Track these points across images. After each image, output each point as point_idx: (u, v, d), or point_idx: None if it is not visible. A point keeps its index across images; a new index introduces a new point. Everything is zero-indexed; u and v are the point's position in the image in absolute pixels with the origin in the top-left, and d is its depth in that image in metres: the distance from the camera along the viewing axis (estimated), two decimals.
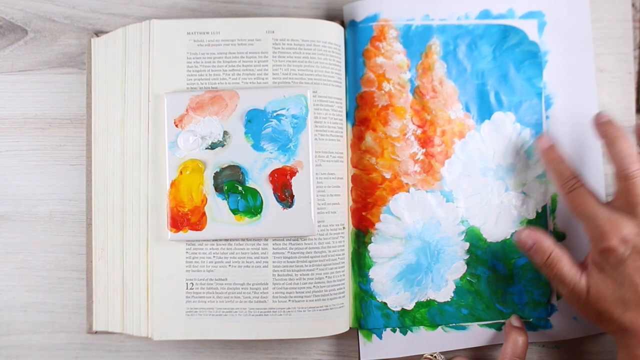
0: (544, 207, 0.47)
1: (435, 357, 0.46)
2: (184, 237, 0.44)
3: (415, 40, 0.47)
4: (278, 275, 0.44)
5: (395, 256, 0.47)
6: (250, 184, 0.44)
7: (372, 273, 0.47)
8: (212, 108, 0.45)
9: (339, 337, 0.47)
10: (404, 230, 0.47)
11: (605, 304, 0.41)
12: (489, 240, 0.47)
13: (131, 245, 0.45)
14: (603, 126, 0.43)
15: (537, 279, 0.47)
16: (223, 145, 0.44)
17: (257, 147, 0.44)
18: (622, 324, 0.41)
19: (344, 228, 0.46)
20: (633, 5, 0.50)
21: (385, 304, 0.47)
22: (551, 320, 0.47)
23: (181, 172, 0.44)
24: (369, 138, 0.47)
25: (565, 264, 0.42)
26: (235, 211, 0.44)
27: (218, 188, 0.44)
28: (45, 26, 0.49)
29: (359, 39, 0.47)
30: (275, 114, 0.44)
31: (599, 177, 0.48)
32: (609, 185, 0.48)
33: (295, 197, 0.44)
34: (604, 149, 0.43)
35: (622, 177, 0.41)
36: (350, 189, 0.47)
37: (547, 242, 0.43)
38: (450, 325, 0.47)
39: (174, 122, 0.45)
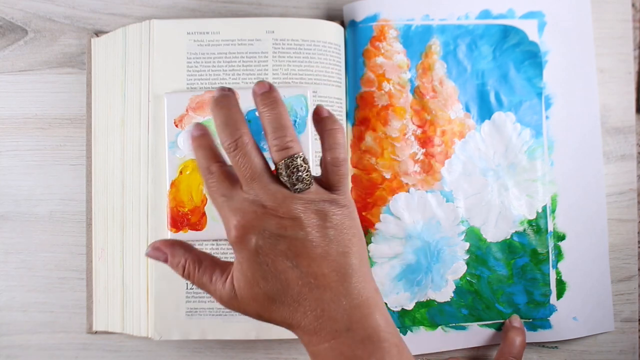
0: (544, 207, 0.47)
1: None
2: (184, 237, 0.44)
3: (415, 40, 0.47)
4: None
5: (395, 256, 0.47)
6: None
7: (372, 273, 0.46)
8: None
9: None
10: (404, 230, 0.47)
11: (258, 304, 0.34)
12: (489, 240, 0.47)
13: (131, 245, 0.45)
14: (213, 100, 0.36)
15: (537, 279, 0.47)
16: None
17: None
18: (284, 321, 0.34)
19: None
20: (633, 5, 0.50)
21: (385, 304, 0.46)
22: (551, 320, 0.47)
23: (181, 172, 0.44)
24: (369, 138, 0.47)
25: (205, 273, 0.35)
26: None
27: None
28: (45, 26, 0.49)
29: (359, 39, 0.47)
30: None
31: (599, 177, 0.48)
32: (609, 186, 0.48)
33: None
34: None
35: (227, 149, 0.34)
36: (350, 189, 0.47)
37: (178, 252, 0.36)
38: (450, 325, 0.47)
39: (174, 122, 0.45)
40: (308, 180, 0.34)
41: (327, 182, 0.35)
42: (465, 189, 0.47)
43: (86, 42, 0.48)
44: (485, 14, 0.48)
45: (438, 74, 0.47)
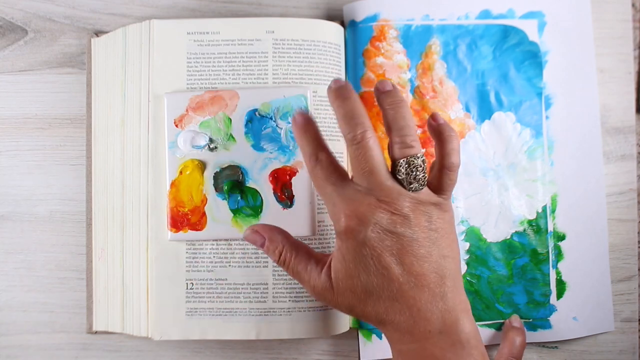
0: (544, 207, 0.47)
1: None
2: (184, 237, 0.44)
3: (415, 40, 0.47)
4: (278, 275, 0.44)
5: None
6: (250, 184, 0.44)
7: None
8: (212, 108, 0.45)
9: (339, 337, 0.47)
10: None
11: (354, 296, 0.34)
12: (489, 240, 0.47)
13: (131, 245, 0.45)
14: (335, 90, 0.36)
15: (537, 279, 0.47)
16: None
17: (257, 147, 0.45)
18: (378, 317, 0.34)
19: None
20: (633, 5, 0.50)
21: None
22: (551, 320, 0.47)
23: (181, 172, 0.44)
24: None
25: (301, 261, 0.36)
26: (235, 211, 0.44)
27: (218, 188, 0.44)
28: (45, 26, 0.49)
29: (359, 39, 0.47)
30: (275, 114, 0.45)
31: (599, 177, 0.48)
32: (609, 185, 0.48)
33: (295, 197, 0.44)
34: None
35: (348, 142, 0.35)
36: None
37: (277, 237, 0.37)
38: None
39: (174, 122, 0.45)
40: (423, 181, 0.35)
41: (437, 184, 0.36)
42: (465, 189, 0.47)
43: (86, 42, 0.48)
44: (485, 14, 0.48)
45: (438, 74, 0.47)
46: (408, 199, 0.34)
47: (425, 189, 0.36)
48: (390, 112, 0.36)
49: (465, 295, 0.36)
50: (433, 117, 0.38)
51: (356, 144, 0.35)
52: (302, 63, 0.45)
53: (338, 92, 0.36)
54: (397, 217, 0.34)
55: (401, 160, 0.35)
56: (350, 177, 0.36)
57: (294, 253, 0.37)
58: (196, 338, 0.44)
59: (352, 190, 0.34)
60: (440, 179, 0.36)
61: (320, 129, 0.45)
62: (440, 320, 0.34)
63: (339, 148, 0.46)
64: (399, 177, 0.35)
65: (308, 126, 0.37)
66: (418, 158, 0.35)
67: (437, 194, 0.36)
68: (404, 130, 0.35)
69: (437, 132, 0.37)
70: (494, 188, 0.47)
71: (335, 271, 0.35)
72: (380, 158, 0.35)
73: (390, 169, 0.35)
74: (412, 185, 0.35)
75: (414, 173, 0.35)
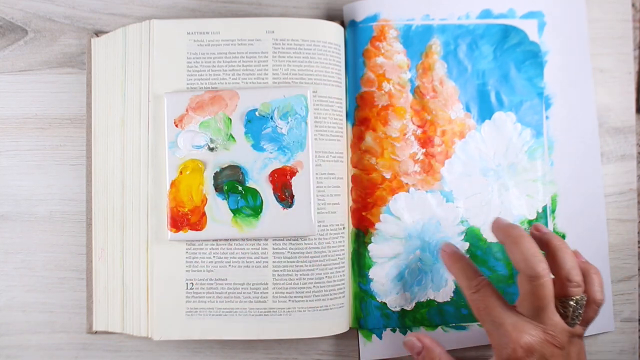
0: (544, 207, 0.47)
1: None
2: (184, 237, 0.44)
3: (415, 40, 0.47)
4: (278, 275, 0.44)
5: (395, 256, 0.47)
6: (250, 184, 0.44)
7: (372, 273, 0.47)
8: (212, 108, 0.45)
9: (339, 337, 0.47)
10: (403, 230, 0.47)
11: None
12: (489, 240, 0.47)
13: (131, 245, 0.45)
14: (504, 228, 0.41)
15: None
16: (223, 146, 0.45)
17: (257, 147, 0.44)
18: None
19: (344, 228, 0.46)
20: (633, 5, 0.50)
21: (385, 304, 0.47)
22: None
23: (181, 172, 0.44)
24: (369, 138, 0.47)
25: None
26: (235, 211, 0.44)
27: (218, 188, 0.44)
28: (45, 26, 0.49)
29: (359, 39, 0.47)
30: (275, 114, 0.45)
31: (599, 177, 0.48)
32: (609, 186, 0.48)
33: (295, 197, 0.44)
34: (506, 251, 0.40)
35: (528, 278, 0.38)
36: (350, 189, 0.47)
37: (436, 350, 0.41)
38: (450, 325, 0.47)
39: (174, 122, 0.45)
40: (581, 318, 0.39)
41: (584, 316, 0.39)
42: (465, 189, 0.47)
43: (86, 42, 0.48)
44: (486, 14, 0.48)
45: (438, 74, 0.47)
46: (567, 333, 0.38)
47: None
48: (560, 252, 0.39)
49: None
50: (577, 254, 0.42)
51: (536, 280, 0.38)
52: (302, 63, 0.45)
53: (509, 231, 0.40)
54: (556, 349, 0.37)
55: (572, 299, 0.38)
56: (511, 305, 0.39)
57: None
58: (196, 338, 0.44)
59: (521, 320, 0.38)
60: (587, 313, 0.40)
61: (320, 129, 0.45)
62: None
63: (338, 148, 0.46)
64: (564, 313, 0.38)
65: (459, 254, 0.43)
66: (583, 298, 0.39)
67: (581, 325, 0.40)
68: (575, 270, 0.39)
69: (584, 268, 0.41)
70: (494, 188, 0.47)
71: None
72: (552, 295, 0.38)
73: (555, 305, 0.38)
74: (573, 321, 0.39)
75: (578, 311, 0.39)
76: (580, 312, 0.39)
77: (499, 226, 0.41)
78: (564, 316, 0.38)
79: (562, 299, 0.39)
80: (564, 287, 0.39)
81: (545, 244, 0.41)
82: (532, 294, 0.38)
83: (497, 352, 0.38)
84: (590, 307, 0.40)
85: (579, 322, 0.39)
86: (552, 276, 0.39)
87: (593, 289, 0.40)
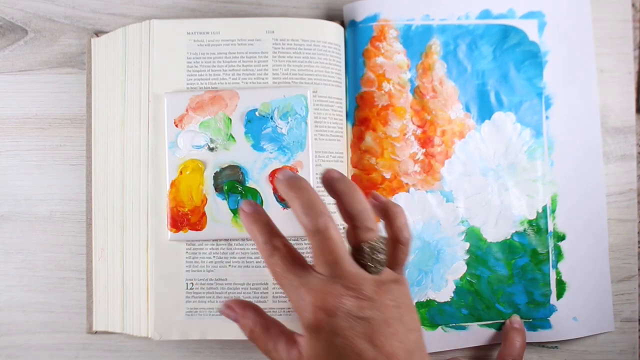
0: (544, 207, 0.47)
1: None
2: (184, 237, 0.44)
3: (415, 40, 0.47)
4: None
5: None
6: (250, 184, 0.44)
7: None
8: (212, 108, 0.45)
9: None
10: None
11: None
12: (489, 240, 0.47)
13: (131, 245, 0.45)
14: (286, 182, 0.36)
15: (537, 279, 0.47)
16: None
17: (257, 147, 0.44)
18: None
19: (343, 228, 0.46)
20: (633, 5, 0.50)
21: None
22: (551, 320, 0.47)
23: (181, 172, 0.44)
24: (369, 138, 0.47)
25: (271, 339, 0.35)
26: (235, 211, 0.44)
27: (218, 188, 0.44)
28: (45, 26, 0.49)
29: (359, 39, 0.47)
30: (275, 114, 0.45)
31: (599, 177, 0.48)
32: (609, 185, 0.48)
33: None
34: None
35: (309, 233, 0.34)
36: None
37: (249, 314, 0.36)
38: (450, 325, 0.47)
39: (174, 122, 0.45)
40: (384, 262, 0.35)
41: (392, 260, 0.36)
42: (465, 189, 0.47)
43: (86, 42, 0.48)
44: (486, 14, 0.48)
45: (438, 74, 0.47)
46: (372, 282, 0.34)
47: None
48: (346, 197, 0.36)
49: None
50: (374, 196, 0.38)
51: (318, 234, 0.34)
52: (302, 63, 0.45)
53: (291, 182, 0.36)
54: (364, 302, 0.33)
55: (365, 244, 0.35)
56: (309, 265, 0.35)
57: (264, 331, 0.36)
58: (196, 338, 0.44)
59: (316, 280, 0.34)
60: (395, 255, 0.36)
61: (320, 129, 0.45)
62: None
63: (338, 148, 0.46)
64: (362, 262, 0.35)
65: (256, 215, 0.36)
66: (380, 241, 0.35)
67: (393, 269, 0.36)
68: (364, 215, 0.35)
69: (383, 210, 0.37)
70: (494, 188, 0.47)
71: (308, 358, 0.34)
72: (342, 246, 0.34)
73: (351, 254, 0.35)
74: (374, 268, 0.35)
75: (377, 256, 0.35)
76: (381, 256, 0.35)
77: (281, 179, 0.37)
78: (362, 265, 0.35)
79: (356, 246, 0.35)
80: (355, 235, 0.35)
81: (331, 189, 0.37)
82: (319, 248, 0.34)
83: (300, 319, 0.34)
84: (397, 247, 0.36)
85: (382, 268, 0.35)
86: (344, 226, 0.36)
87: (395, 227, 0.36)
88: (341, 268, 0.34)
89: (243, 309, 0.37)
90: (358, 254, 0.35)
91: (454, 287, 0.47)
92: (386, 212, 0.37)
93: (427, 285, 0.47)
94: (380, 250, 0.35)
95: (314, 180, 0.44)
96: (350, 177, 0.47)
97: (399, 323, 0.34)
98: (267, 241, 0.35)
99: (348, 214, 0.36)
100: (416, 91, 0.47)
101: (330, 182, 0.37)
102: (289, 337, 0.36)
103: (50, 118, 0.48)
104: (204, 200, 0.44)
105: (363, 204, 0.35)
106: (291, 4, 0.49)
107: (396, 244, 0.36)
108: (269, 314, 0.44)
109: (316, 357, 0.33)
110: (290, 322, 0.44)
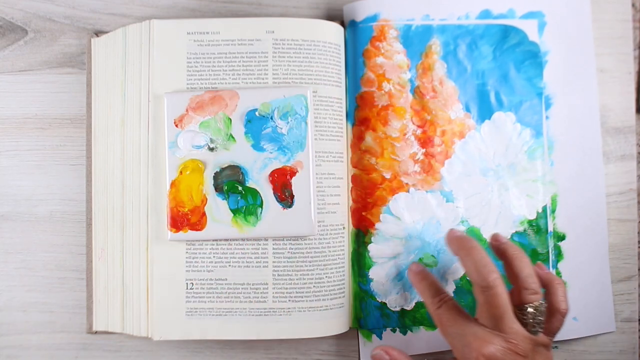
0: (544, 207, 0.47)
1: None
2: (184, 237, 0.44)
3: (415, 40, 0.47)
4: (278, 275, 0.44)
5: (395, 256, 0.47)
6: (250, 184, 0.44)
7: (372, 273, 0.47)
8: (212, 108, 0.45)
9: (339, 337, 0.47)
10: (403, 230, 0.47)
11: None
12: (489, 240, 0.47)
13: (131, 245, 0.45)
14: (457, 240, 0.41)
15: None
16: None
17: (257, 147, 0.44)
18: None
19: (344, 228, 0.46)
20: (633, 5, 0.50)
21: (384, 304, 0.47)
22: None
23: (181, 172, 0.44)
24: (369, 138, 0.47)
25: None
26: (235, 211, 0.44)
27: (218, 188, 0.44)
28: (45, 26, 0.49)
29: (359, 39, 0.47)
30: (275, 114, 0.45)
31: (599, 177, 0.48)
32: (609, 185, 0.48)
33: (295, 197, 0.44)
34: (462, 260, 0.41)
35: (481, 288, 0.38)
36: (350, 189, 0.47)
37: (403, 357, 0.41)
38: None
39: (174, 122, 0.45)
40: (543, 326, 0.39)
41: (547, 326, 0.40)
42: (465, 189, 0.47)
43: (86, 42, 0.48)
44: (486, 14, 0.48)
45: (438, 74, 0.47)
46: (529, 341, 0.38)
47: None
48: (516, 262, 0.40)
49: None
50: (539, 266, 0.43)
51: (489, 290, 0.38)
52: (302, 63, 0.45)
53: (463, 242, 0.41)
54: (520, 357, 0.37)
55: (530, 305, 0.39)
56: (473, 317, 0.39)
57: None
58: (196, 338, 0.44)
59: (482, 330, 0.38)
60: (551, 322, 0.40)
61: (320, 129, 0.45)
62: None
63: (338, 148, 0.46)
64: (524, 321, 0.38)
65: (425, 273, 0.43)
66: (542, 305, 0.39)
67: (546, 335, 0.40)
68: (530, 279, 0.39)
69: (546, 280, 0.41)
70: (494, 188, 0.47)
71: None
72: (508, 303, 0.38)
73: (514, 312, 0.38)
74: (534, 330, 0.38)
75: (539, 318, 0.39)
76: (541, 319, 0.39)
77: (452, 238, 0.42)
78: (524, 324, 0.38)
79: (520, 306, 0.39)
80: (521, 295, 0.39)
81: (502, 253, 0.41)
82: (487, 303, 0.38)
83: None
84: (555, 316, 0.40)
85: (541, 330, 0.39)
86: (508, 287, 0.39)
87: (556, 299, 0.40)
88: (504, 323, 0.38)
89: (398, 355, 0.41)
90: (521, 313, 0.39)
91: (454, 287, 0.47)
92: (550, 283, 0.41)
93: None
94: (542, 313, 0.39)
95: (313, 180, 0.44)
96: (350, 177, 0.47)
97: None
98: (435, 295, 0.41)
99: (516, 276, 0.40)
100: (416, 91, 0.47)
101: (500, 246, 0.41)
102: None
103: (50, 118, 0.48)
104: (204, 200, 0.44)
105: (530, 269, 0.40)
106: (291, 4, 0.49)
107: (555, 313, 0.40)
108: (269, 314, 0.44)
109: None
110: (290, 322, 0.44)
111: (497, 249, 0.42)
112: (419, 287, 0.43)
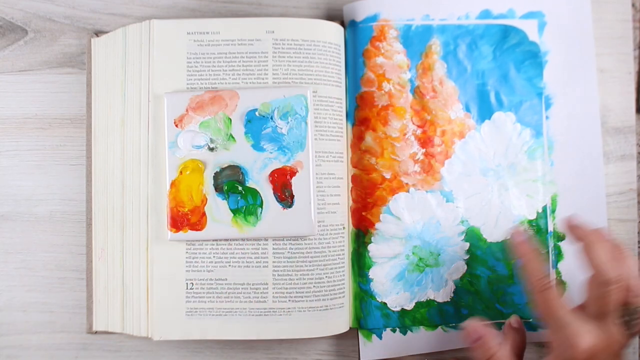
0: (544, 207, 0.47)
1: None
2: (184, 237, 0.44)
3: (415, 40, 0.47)
4: (278, 275, 0.44)
5: (395, 256, 0.47)
6: (250, 184, 0.44)
7: (372, 273, 0.47)
8: (212, 108, 0.45)
9: (339, 337, 0.47)
10: (403, 230, 0.47)
11: None
12: (489, 240, 0.47)
13: (131, 245, 0.45)
14: (578, 229, 0.42)
15: None
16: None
17: (257, 147, 0.44)
18: None
19: (344, 228, 0.46)
20: (633, 5, 0.50)
21: (385, 304, 0.47)
22: None
23: (181, 172, 0.44)
24: (369, 138, 0.47)
25: None
26: (235, 211, 0.44)
27: (218, 188, 0.44)
28: (45, 26, 0.49)
29: (359, 39, 0.47)
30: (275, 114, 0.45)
31: (599, 177, 0.48)
32: (609, 185, 0.48)
33: (295, 197, 0.44)
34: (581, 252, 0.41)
35: (600, 283, 0.39)
36: (350, 189, 0.47)
37: (492, 341, 0.41)
38: (450, 325, 0.47)
39: (174, 122, 0.45)
40: (638, 328, 0.40)
41: (625, 325, 0.40)
42: (465, 189, 0.47)
43: (86, 42, 0.48)
44: (486, 14, 0.48)
45: (438, 74, 0.47)
46: (624, 339, 0.39)
47: None
48: (628, 261, 0.40)
49: None
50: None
51: (608, 286, 0.39)
52: (302, 63, 0.45)
53: (586, 234, 0.41)
54: (612, 356, 0.38)
55: (631, 308, 0.39)
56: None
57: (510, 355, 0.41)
58: (196, 338, 0.44)
59: (585, 323, 0.38)
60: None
61: (320, 129, 0.45)
62: None
63: (338, 148, 0.46)
64: (624, 320, 0.39)
65: (532, 248, 0.43)
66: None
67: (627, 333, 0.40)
68: (637, 280, 0.40)
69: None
70: (494, 188, 0.47)
71: None
72: (619, 304, 0.39)
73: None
74: (631, 330, 0.39)
75: (635, 320, 0.39)
76: (638, 320, 0.39)
77: (574, 226, 0.42)
78: (624, 323, 0.39)
79: (626, 306, 0.39)
80: (628, 295, 0.39)
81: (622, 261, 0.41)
82: (600, 298, 0.39)
83: (557, 352, 0.39)
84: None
85: (634, 332, 0.40)
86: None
87: None
88: (608, 320, 0.39)
89: (489, 332, 0.41)
90: (627, 313, 0.39)
91: (454, 287, 0.47)
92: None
93: (427, 285, 0.47)
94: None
95: (313, 180, 0.44)
96: (350, 177, 0.47)
97: None
98: (543, 277, 0.41)
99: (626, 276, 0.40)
100: (416, 91, 0.47)
101: (622, 255, 0.41)
102: None
103: (50, 118, 0.48)
104: (204, 200, 0.44)
105: (636, 271, 0.40)
106: (291, 4, 0.49)
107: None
108: (269, 314, 0.44)
109: None
110: (290, 322, 0.44)
111: (615, 247, 0.42)
112: (522, 261, 0.43)
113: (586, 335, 0.38)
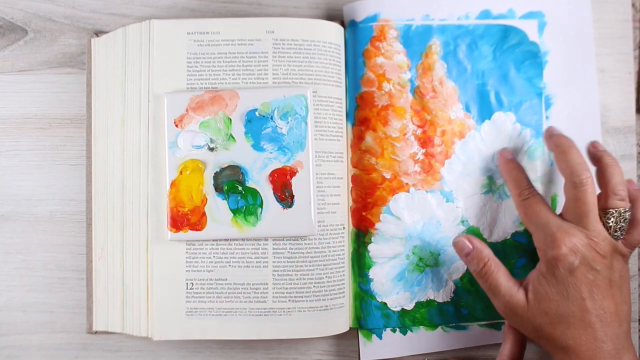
0: None
1: None
2: (184, 237, 0.44)
3: (415, 40, 0.47)
4: (278, 275, 0.44)
5: (395, 256, 0.47)
6: (250, 184, 0.44)
7: (372, 273, 0.47)
8: (212, 108, 0.45)
9: (339, 337, 0.47)
10: (403, 231, 0.47)
11: (546, 318, 0.39)
12: (489, 240, 0.47)
13: (131, 245, 0.45)
14: (554, 138, 0.43)
15: None
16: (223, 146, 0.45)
17: (257, 147, 0.45)
18: (564, 342, 0.39)
19: (344, 228, 0.46)
20: (633, 5, 0.50)
21: (385, 304, 0.47)
22: None
23: (181, 172, 0.44)
24: (369, 138, 0.47)
25: (501, 275, 0.41)
26: (235, 211, 0.44)
27: (218, 188, 0.44)
28: (45, 26, 0.49)
29: (359, 39, 0.47)
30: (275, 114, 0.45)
31: None
32: None
33: (295, 197, 0.44)
34: (554, 160, 0.43)
35: (573, 184, 0.40)
36: (350, 189, 0.47)
37: (485, 251, 0.42)
38: (450, 325, 0.47)
39: (174, 122, 0.45)
40: (623, 233, 0.41)
41: (627, 237, 0.41)
42: (465, 189, 0.47)
43: (86, 42, 0.48)
44: (485, 14, 0.48)
45: (438, 74, 0.47)
46: (609, 243, 0.40)
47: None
48: (610, 169, 0.41)
49: (631, 343, 0.40)
50: (629, 181, 0.43)
51: (581, 186, 0.40)
52: (302, 63, 0.45)
53: (563, 141, 0.42)
54: (599, 256, 0.39)
55: (615, 210, 0.40)
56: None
57: (497, 268, 0.42)
58: (196, 338, 0.44)
59: (567, 225, 0.40)
60: (631, 234, 0.41)
61: (320, 129, 0.45)
62: (615, 355, 0.38)
63: (338, 148, 0.46)
64: (607, 224, 0.40)
65: (516, 162, 0.45)
66: (627, 212, 0.40)
67: (625, 246, 0.41)
68: (620, 186, 0.41)
69: (635, 195, 0.42)
70: (494, 188, 0.47)
71: (535, 292, 0.40)
72: (595, 203, 0.40)
73: (599, 214, 0.40)
74: (616, 234, 0.40)
75: (621, 224, 0.40)
76: (623, 225, 0.40)
77: (550, 135, 0.44)
78: (606, 227, 0.40)
79: (605, 210, 0.40)
80: (608, 200, 0.40)
81: (597, 160, 0.42)
82: (575, 199, 0.40)
83: (542, 254, 0.40)
84: (636, 229, 0.41)
85: (621, 236, 0.40)
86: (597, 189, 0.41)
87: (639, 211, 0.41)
88: (589, 221, 0.40)
89: (481, 244, 0.43)
90: (606, 216, 0.40)
91: (454, 287, 0.47)
92: (637, 199, 0.42)
93: (427, 285, 0.47)
94: (625, 220, 0.40)
95: (313, 180, 0.44)
96: (350, 177, 0.47)
97: (618, 290, 0.39)
98: (524, 187, 0.43)
99: (607, 182, 0.41)
100: (416, 91, 0.47)
101: (597, 153, 0.43)
102: (514, 279, 0.41)
103: (50, 118, 0.48)
104: (204, 200, 0.44)
105: (621, 178, 0.41)
106: (291, 4, 0.49)
107: (637, 225, 0.41)
108: (269, 314, 0.44)
109: (545, 293, 0.39)
110: (290, 322, 0.44)
111: (594, 155, 0.43)
112: (509, 176, 0.44)
113: (566, 232, 0.39)
